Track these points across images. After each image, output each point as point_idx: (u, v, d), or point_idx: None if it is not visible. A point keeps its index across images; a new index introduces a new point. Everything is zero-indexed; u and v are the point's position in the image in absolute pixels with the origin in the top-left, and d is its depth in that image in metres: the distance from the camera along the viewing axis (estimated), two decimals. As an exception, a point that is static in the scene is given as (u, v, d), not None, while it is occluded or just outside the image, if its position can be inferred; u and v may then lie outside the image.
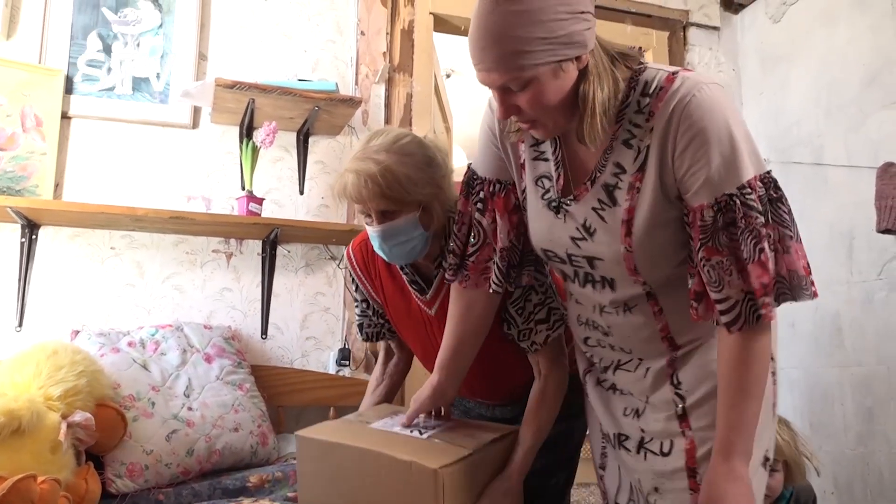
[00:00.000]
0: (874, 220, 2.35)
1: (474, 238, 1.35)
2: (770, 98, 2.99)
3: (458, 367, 1.43)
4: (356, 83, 2.66)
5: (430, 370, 1.53)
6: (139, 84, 2.42)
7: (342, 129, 2.58)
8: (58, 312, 2.24)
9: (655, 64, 1.18)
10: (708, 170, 1.08)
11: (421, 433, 1.36)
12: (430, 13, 2.78)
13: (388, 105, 2.69)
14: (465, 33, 2.89)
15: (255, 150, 2.30)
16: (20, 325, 2.19)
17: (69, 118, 2.33)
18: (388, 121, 2.67)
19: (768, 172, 1.12)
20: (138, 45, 2.43)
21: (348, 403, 2.24)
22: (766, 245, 1.08)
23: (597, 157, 1.19)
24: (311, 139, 2.57)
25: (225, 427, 1.94)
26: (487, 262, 1.35)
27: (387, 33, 2.72)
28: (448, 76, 4.48)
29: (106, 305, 2.28)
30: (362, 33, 2.69)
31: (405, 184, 1.36)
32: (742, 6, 3.19)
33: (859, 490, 2.43)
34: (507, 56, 1.05)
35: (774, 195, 1.11)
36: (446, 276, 1.41)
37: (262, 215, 2.36)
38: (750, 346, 1.12)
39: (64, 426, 1.60)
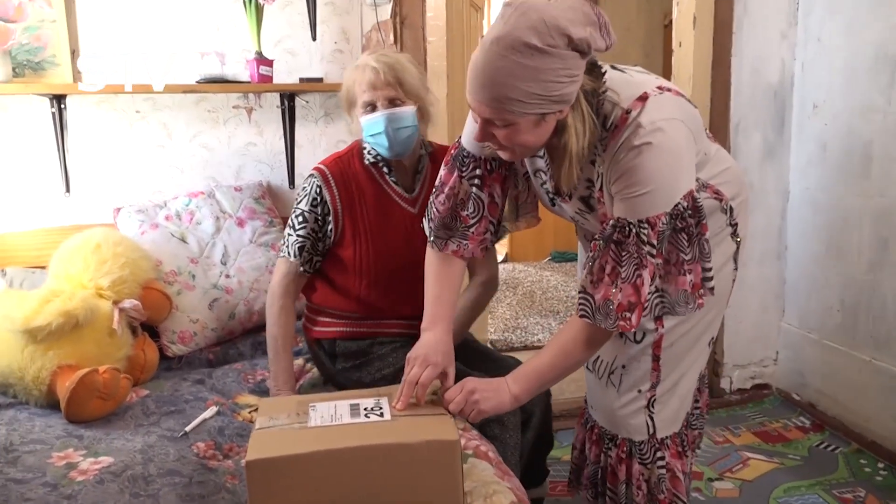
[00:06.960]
0: (920, 50, 2.18)
1: (474, 211, 1.47)
2: None
3: (450, 320, 1.48)
4: None
5: (406, 272, 1.67)
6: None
7: (350, -35, 2.44)
8: (99, 175, 2.39)
9: (616, 88, 1.25)
10: (620, 202, 1.25)
11: (381, 416, 1.23)
12: None
13: (397, -69, 2.48)
14: None
15: (259, 8, 2.23)
16: (67, 190, 2.36)
17: (71, -20, 2.28)
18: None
19: (691, 192, 1.24)
20: None
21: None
22: (645, 273, 1.23)
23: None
24: (318, -21, 2.45)
25: (260, 290, 2.15)
26: (485, 233, 1.49)
27: None
28: None
29: (141, 167, 2.42)
30: None
31: (412, 78, 1.69)
32: None
33: (863, 312, 2.55)
34: (503, 100, 1.14)
35: (680, 225, 1.25)
36: (430, 239, 1.50)
37: (276, 65, 2.37)
38: (587, 335, 1.32)
39: (116, 313, 1.83)
